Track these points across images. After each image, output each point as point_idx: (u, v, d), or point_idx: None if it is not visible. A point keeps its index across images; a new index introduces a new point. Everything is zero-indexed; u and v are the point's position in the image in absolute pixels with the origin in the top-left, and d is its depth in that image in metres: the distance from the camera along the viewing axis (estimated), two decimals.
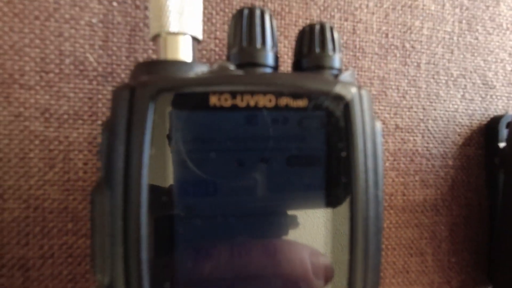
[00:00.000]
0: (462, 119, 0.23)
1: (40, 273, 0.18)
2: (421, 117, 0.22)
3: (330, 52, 0.12)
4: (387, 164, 0.22)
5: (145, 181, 0.10)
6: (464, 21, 0.22)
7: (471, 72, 0.23)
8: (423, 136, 0.22)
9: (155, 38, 0.13)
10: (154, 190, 0.10)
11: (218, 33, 0.18)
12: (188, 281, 0.10)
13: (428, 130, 0.22)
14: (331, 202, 0.11)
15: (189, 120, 0.10)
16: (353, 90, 0.11)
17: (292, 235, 0.11)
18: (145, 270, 0.10)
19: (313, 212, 0.11)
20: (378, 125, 0.12)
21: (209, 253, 0.11)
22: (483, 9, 0.23)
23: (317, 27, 0.13)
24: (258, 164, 0.11)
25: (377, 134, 0.12)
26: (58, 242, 0.18)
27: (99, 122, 0.18)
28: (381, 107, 0.22)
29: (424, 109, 0.22)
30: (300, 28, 0.14)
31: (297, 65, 0.14)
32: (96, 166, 0.18)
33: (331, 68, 0.12)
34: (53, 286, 0.18)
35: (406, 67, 0.22)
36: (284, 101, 0.10)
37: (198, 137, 0.10)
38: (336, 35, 0.13)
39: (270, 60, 0.12)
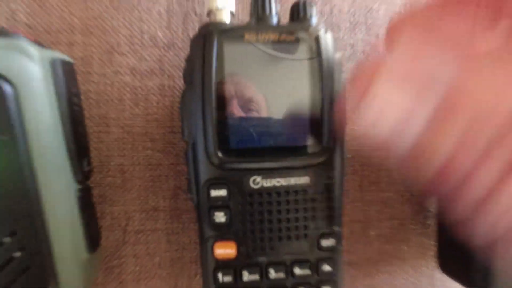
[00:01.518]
0: None
1: (132, 175, 0.27)
2: None
3: (308, 15, 0.22)
4: None
5: (214, 82, 0.20)
6: (408, 3, 0.32)
7: None
8: None
9: (209, 12, 0.22)
10: (218, 84, 0.20)
11: (240, 16, 0.28)
12: (237, 134, 0.20)
13: None
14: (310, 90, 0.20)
15: (233, 47, 0.19)
16: (321, 31, 0.20)
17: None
18: (215, 130, 0.19)
19: (301, 98, 0.20)
20: (339, 54, 0.21)
21: (248, 120, 0.20)
22: None
23: (301, 1, 0.22)
24: (272, 71, 0.20)
25: (338, 58, 0.21)
26: (142, 154, 0.27)
27: (166, 76, 0.28)
28: (353, 65, 0.31)
29: None
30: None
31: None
32: (168, 101, 0.27)
33: (310, 24, 0.22)
34: (140, 185, 0.27)
35: (369, 36, 0.31)
36: (283, 36, 0.20)
37: (237, 58, 0.20)
38: (313, 7, 0.22)
39: (274, 21, 0.22)
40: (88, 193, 0.21)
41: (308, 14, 0.22)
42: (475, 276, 0.27)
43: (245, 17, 0.28)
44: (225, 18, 0.22)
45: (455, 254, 0.29)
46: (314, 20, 0.22)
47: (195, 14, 0.28)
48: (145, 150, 0.27)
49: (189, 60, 0.20)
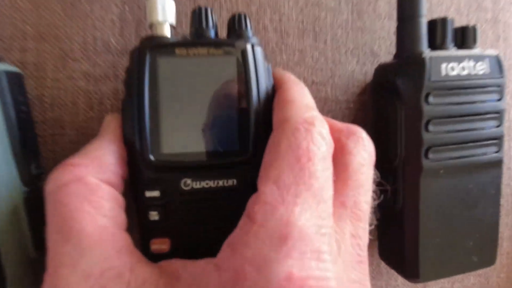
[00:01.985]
0: (358, 76, 0.34)
1: None
2: (330, 75, 0.33)
3: (243, 27, 0.23)
4: None
5: (147, 92, 0.21)
6: (354, 12, 0.34)
7: (362, 45, 0.34)
8: (332, 88, 0.34)
9: (150, 25, 0.24)
10: (151, 97, 0.21)
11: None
12: (170, 139, 0.22)
13: (335, 83, 0.34)
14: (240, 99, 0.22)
15: (165, 62, 0.21)
16: (248, 45, 0.22)
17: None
18: (148, 133, 0.21)
19: (228, 107, 0.22)
20: (269, 65, 0.23)
21: (180, 128, 0.22)
22: (367, 4, 0.34)
23: (237, 15, 0.24)
24: (202, 84, 0.22)
25: (267, 68, 0.23)
26: None
27: (119, 80, 0.29)
28: (301, 69, 0.33)
29: (331, 70, 0.33)
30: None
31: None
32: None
33: (246, 37, 0.23)
34: None
35: (317, 43, 0.33)
36: (211, 51, 0.21)
37: (168, 71, 0.21)
38: (247, 20, 0.24)
39: (212, 34, 0.23)
40: (37, 194, 0.23)
41: (243, 27, 0.23)
42: (407, 266, 0.30)
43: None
44: (166, 31, 0.23)
45: (390, 243, 0.31)
46: (250, 34, 0.24)
47: (146, 21, 0.29)
48: None
49: (128, 71, 0.22)
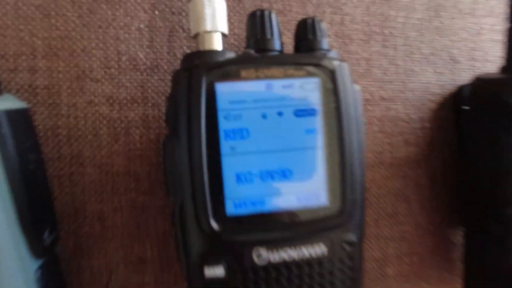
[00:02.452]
0: (435, 89, 0.28)
1: (113, 222, 0.23)
2: (401, 89, 0.27)
3: (319, 37, 0.17)
4: (375, 128, 0.27)
5: (203, 130, 0.15)
6: (431, 9, 0.27)
7: (440, 50, 0.28)
8: (404, 105, 0.28)
9: (196, 35, 0.18)
10: (208, 136, 0.16)
11: (236, 30, 0.24)
12: (235, 196, 0.16)
13: (407, 99, 0.28)
14: (326, 141, 0.16)
15: (228, 87, 0.15)
16: (336, 62, 0.16)
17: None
18: (207, 190, 0.16)
19: (314, 148, 0.16)
20: (357, 87, 0.17)
21: (246, 178, 0.16)
22: None
23: (309, 20, 0.18)
24: (275, 116, 0.16)
25: (357, 93, 0.17)
26: (125, 198, 0.23)
27: (150, 104, 0.23)
28: (367, 83, 0.27)
29: (403, 82, 0.27)
30: (298, 21, 0.19)
31: (297, 49, 0.19)
32: (153, 134, 0.23)
33: (321, 49, 0.18)
34: (123, 232, 0.23)
35: (386, 49, 0.27)
36: (290, 72, 0.16)
37: (234, 100, 0.16)
38: (323, 25, 0.18)
39: (277, 46, 0.17)
40: (52, 265, 0.17)
41: (318, 36, 0.18)
42: None
43: (240, 39, 0.24)
44: (216, 43, 0.17)
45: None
46: (326, 44, 0.18)
47: (183, 30, 0.23)
48: (127, 192, 0.23)
49: (172, 99, 0.16)
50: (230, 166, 0.16)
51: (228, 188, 0.16)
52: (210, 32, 0.18)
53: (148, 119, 0.23)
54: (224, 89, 0.16)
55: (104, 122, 0.23)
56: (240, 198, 0.16)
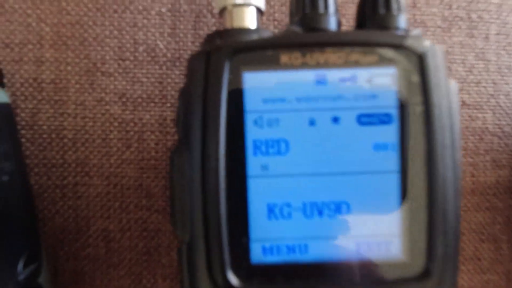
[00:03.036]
0: None
1: (120, 244, 0.19)
2: (491, 92, 0.21)
3: (395, 12, 0.12)
4: None
5: (223, 140, 0.11)
6: None
7: None
8: (493, 113, 0.21)
9: (222, 11, 0.14)
10: (230, 149, 0.11)
11: (276, 15, 0.19)
12: (264, 238, 0.11)
13: (500, 106, 0.21)
14: (405, 162, 0.11)
15: (261, 79, 0.11)
16: (426, 43, 0.10)
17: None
18: (224, 226, 0.11)
19: (386, 173, 0.11)
20: (453, 83, 0.12)
21: (283, 212, 0.11)
22: None
23: None
24: (329, 123, 0.11)
25: (453, 92, 0.11)
26: (135, 216, 0.19)
27: (168, 104, 0.19)
28: None
29: (494, 83, 0.21)
30: None
31: (360, 29, 0.14)
32: (171, 140, 0.19)
33: (397, 28, 0.12)
34: (131, 258, 0.20)
35: (473, 39, 0.21)
36: (354, 57, 0.10)
37: (270, 96, 0.11)
38: None
39: (332, 25, 0.12)
40: None
41: (394, 9, 0.12)
42: None
43: (280, 26, 0.19)
44: (249, 21, 0.13)
45: None
46: (404, 21, 0.12)
47: (212, 15, 0.19)
48: (138, 210, 0.19)
49: (183, 95, 0.12)
50: (259, 193, 0.11)
51: (255, 225, 0.11)
52: (241, 5, 0.13)
53: (166, 122, 0.19)
54: (255, 81, 0.11)
55: (115, 124, 0.19)
56: (272, 240, 0.11)
